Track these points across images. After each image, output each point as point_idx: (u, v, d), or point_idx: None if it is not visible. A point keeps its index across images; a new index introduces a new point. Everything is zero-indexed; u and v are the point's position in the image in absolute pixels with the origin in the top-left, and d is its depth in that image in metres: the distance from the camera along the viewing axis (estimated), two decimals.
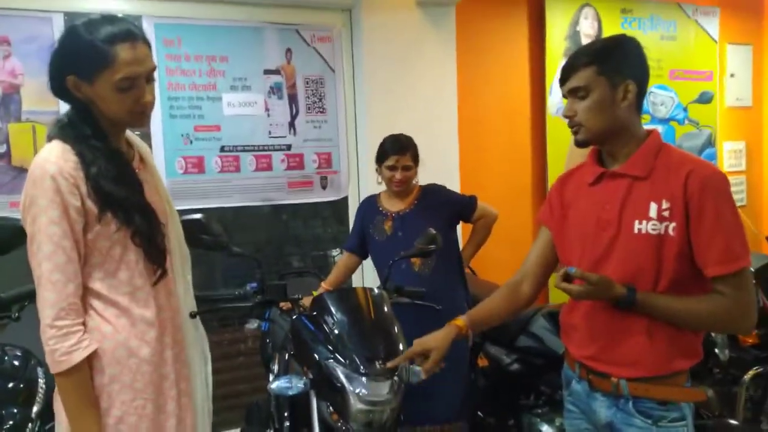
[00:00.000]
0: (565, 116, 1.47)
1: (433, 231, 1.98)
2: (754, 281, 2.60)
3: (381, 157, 2.39)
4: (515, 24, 3.32)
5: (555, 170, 3.39)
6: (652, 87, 3.67)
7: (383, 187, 2.47)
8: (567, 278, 1.35)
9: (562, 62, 3.41)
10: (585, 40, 3.43)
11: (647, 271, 1.35)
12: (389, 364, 1.52)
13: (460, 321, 1.55)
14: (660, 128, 3.70)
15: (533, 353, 2.45)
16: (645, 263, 1.35)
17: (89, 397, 1.27)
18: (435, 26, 2.98)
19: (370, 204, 2.49)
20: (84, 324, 1.28)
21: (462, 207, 2.46)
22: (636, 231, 1.35)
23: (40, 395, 1.73)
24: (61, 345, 1.23)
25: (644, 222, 1.34)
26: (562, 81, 1.45)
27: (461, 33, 3.06)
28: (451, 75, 3.04)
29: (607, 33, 3.48)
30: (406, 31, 2.93)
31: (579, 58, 1.41)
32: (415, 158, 2.39)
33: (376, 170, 2.44)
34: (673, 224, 1.32)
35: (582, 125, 1.42)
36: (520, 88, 3.36)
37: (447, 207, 2.42)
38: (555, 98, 3.37)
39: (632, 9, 3.56)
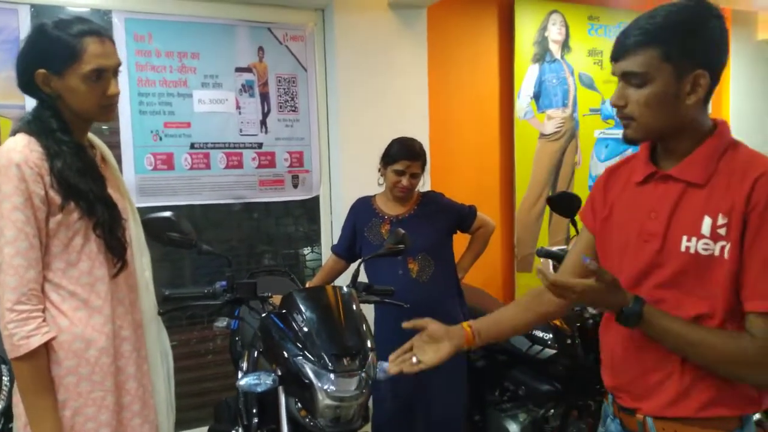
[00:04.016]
0: (614, 105, 1.18)
1: (401, 231, 2.01)
2: None
3: (389, 159, 2.31)
4: (485, 28, 3.38)
5: (522, 174, 3.47)
6: None
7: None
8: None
9: (531, 67, 3.51)
10: (552, 46, 3.51)
11: (694, 300, 1.12)
12: (408, 324, 1.36)
13: (467, 325, 1.35)
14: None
15: (498, 350, 2.51)
16: (691, 290, 1.12)
17: (46, 384, 1.28)
18: (407, 28, 3.02)
19: (365, 206, 2.43)
20: (43, 311, 1.29)
21: (462, 216, 2.43)
22: (683, 249, 1.12)
23: (3, 393, 1.71)
24: (21, 330, 1.24)
25: (693, 239, 1.10)
26: (615, 57, 1.15)
27: (432, 36, 3.11)
28: (422, 77, 3.08)
29: (574, 39, 3.57)
30: (378, 32, 2.96)
31: (641, 34, 1.10)
32: (424, 166, 2.34)
33: (379, 170, 2.37)
34: (729, 245, 1.08)
35: (634, 119, 1.15)
36: (489, 92, 3.42)
37: (447, 215, 2.40)
38: (523, 102, 3.44)
39: (599, 16, 3.66)
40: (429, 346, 1.32)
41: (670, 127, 1.14)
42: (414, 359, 1.31)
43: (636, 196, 1.22)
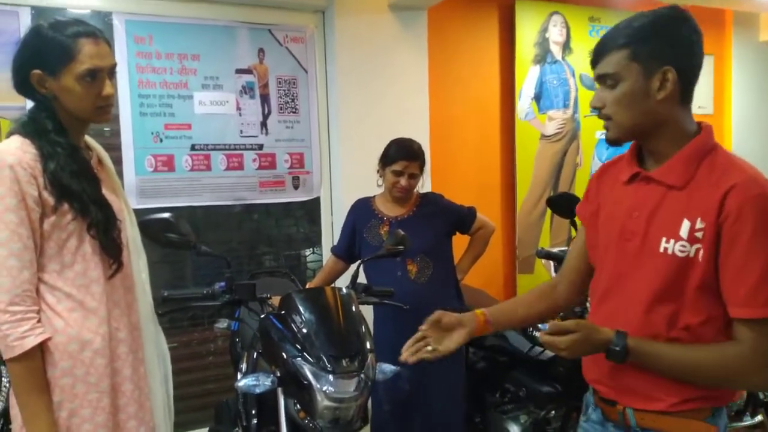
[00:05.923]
0: (593, 107, 1.25)
1: (401, 232, 2.00)
2: None
3: (387, 160, 2.31)
4: (486, 29, 3.38)
5: (523, 175, 3.46)
6: None
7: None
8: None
9: (532, 68, 3.51)
10: (553, 47, 3.51)
11: (669, 299, 1.16)
12: (424, 326, 1.36)
13: (480, 312, 1.40)
14: None
15: (499, 351, 2.50)
16: (667, 290, 1.16)
17: (41, 385, 1.28)
18: (407, 29, 3.02)
19: (364, 207, 2.43)
20: (38, 312, 1.29)
21: (461, 217, 2.43)
22: (661, 250, 1.16)
23: (3, 393, 1.71)
24: (15, 330, 1.24)
25: (672, 241, 1.15)
26: (592, 63, 1.23)
27: (433, 37, 3.11)
28: (423, 78, 3.08)
29: (575, 40, 3.57)
30: (378, 33, 2.96)
31: (612, 39, 1.18)
32: (422, 167, 2.34)
33: (378, 172, 2.38)
34: (703, 249, 1.12)
35: (611, 119, 1.21)
36: (490, 93, 3.41)
37: (446, 216, 2.39)
38: (524, 103, 3.44)
39: (600, 17, 3.65)
40: (441, 335, 1.36)
41: (645, 125, 1.19)
42: (429, 347, 1.34)
43: (621, 195, 1.27)
